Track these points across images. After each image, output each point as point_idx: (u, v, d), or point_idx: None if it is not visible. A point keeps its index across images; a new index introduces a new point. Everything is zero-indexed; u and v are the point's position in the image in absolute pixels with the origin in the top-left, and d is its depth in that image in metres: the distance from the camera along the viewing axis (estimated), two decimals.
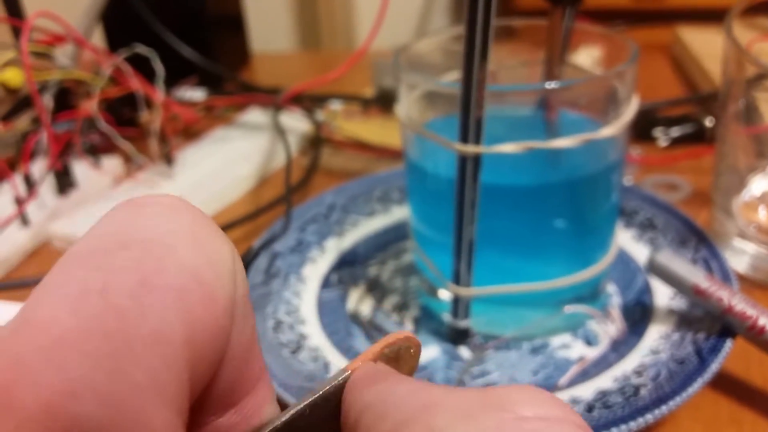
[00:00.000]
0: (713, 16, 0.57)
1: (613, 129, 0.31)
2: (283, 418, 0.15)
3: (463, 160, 0.30)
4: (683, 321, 0.34)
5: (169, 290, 0.12)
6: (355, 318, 0.37)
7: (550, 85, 0.31)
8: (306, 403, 0.15)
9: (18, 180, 0.47)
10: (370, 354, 0.16)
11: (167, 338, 0.12)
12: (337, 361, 0.33)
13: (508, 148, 0.29)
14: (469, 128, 0.29)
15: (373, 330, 0.36)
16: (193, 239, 0.14)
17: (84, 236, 0.14)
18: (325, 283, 0.39)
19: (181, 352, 0.12)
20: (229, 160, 0.54)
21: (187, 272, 0.13)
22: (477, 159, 0.29)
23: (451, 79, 0.35)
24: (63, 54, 0.53)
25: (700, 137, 0.53)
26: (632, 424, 0.27)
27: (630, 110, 0.32)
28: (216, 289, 0.13)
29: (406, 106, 0.34)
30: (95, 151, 0.53)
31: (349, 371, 0.15)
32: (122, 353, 0.11)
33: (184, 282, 0.13)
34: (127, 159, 0.54)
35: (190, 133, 0.59)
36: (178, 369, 0.12)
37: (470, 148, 0.29)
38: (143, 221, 0.14)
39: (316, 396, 0.15)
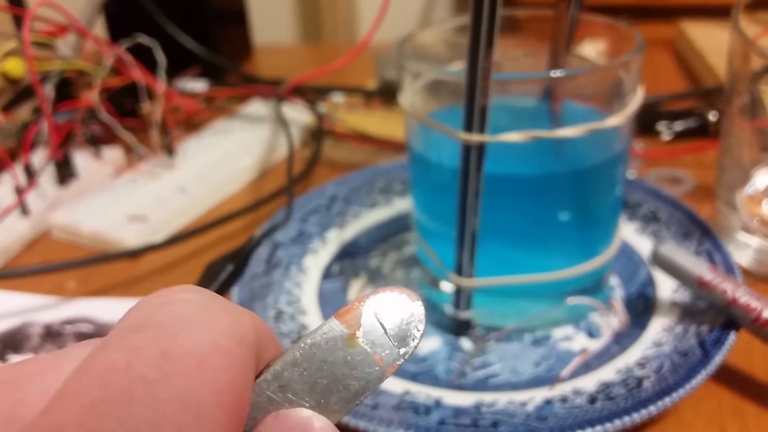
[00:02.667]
0: (717, 12, 0.57)
1: (618, 119, 0.30)
2: (276, 366, 0.15)
3: (467, 149, 0.29)
4: (686, 313, 0.33)
5: (190, 358, 0.13)
6: None
7: (555, 73, 0.31)
8: (295, 349, 0.15)
9: (18, 170, 0.46)
10: (356, 302, 0.16)
11: (196, 400, 0.13)
12: None
13: (513, 137, 0.29)
14: (474, 117, 0.28)
15: None
16: (208, 316, 0.15)
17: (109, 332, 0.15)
18: (327, 274, 0.39)
19: (211, 413, 0.13)
20: (231, 151, 0.53)
21: (204, 342, 0.14)
22: (481, 148, 0.29)
23: (455, 69, 0.35)
24: (64, 44, 0.53)
25: (703, 131, 0.53)
26: (635, 416, 0.27)
27: (635, 101, 0.32)
28: (235, 357, 0.14)
29: (409, 95, 0.33)
30: (96, 142, 0.52)
31: (335, 319, 0.16)
32: (155, 417, 0.12)
33: (202, 350, 0.13)
34: (128, 149, 0.54)
35: (192, 124, 0.59)
36: (211, 427, 0.13)
37: (474, 137, 0.29)
38: (157, 308, 0.15)
39: (304, 343, 0.15)
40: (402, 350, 0.16)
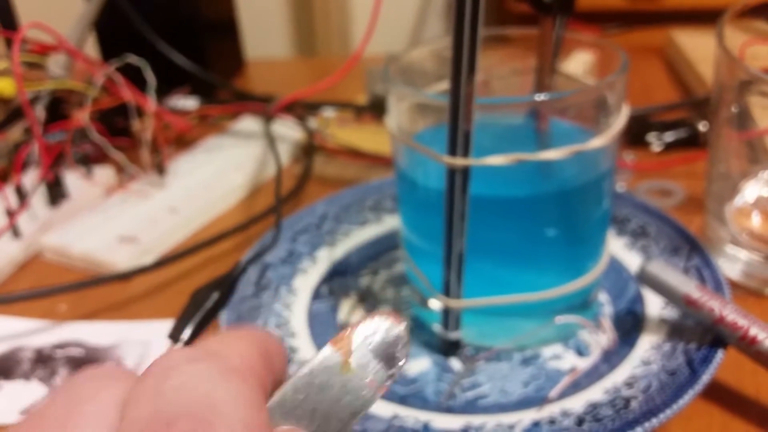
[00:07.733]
0: (709, 17, 0.57)
1: (602, 140, 0.30)
2: (280, 394, 0.17)
3: (451, 172, 0.29)
4: (675, 331, 0.34)
5: None
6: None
7: (539, 97, 0.31)
8: (297, 377, 0.17)
9: (9, 191, 0.46)
10: (349, 328, 0.17)
11: None
12: None
13: (497, 160, 0.29)
14: (458, 141, 0.29)
15: None
16: (228, 388, 0.14)
17: (124, 419, 0.14)
18: (316, 295, 0.39)
19: None
20: (222, 169, 0.54)
21: (238, 425, 0.14)
22: (466, 171, 0.29)
23: (443, 87, 0.35)
24: (55, 64, 0.53)
25: (694, 142, 0.53)
26: None
27: (620, 120, 0.32)
28: (263, 423, 0.14)
29: (395, 116, 0.33)
30: (87, 162, 0.53)
31: (330, 346, 0.17)
32: None
33: None
34: (120, 169, 0.54)
35: (183, 142, 0.59)
36: None
37: (459, 161, 0.29)
38: (173, 391, 0.14)
39: (303, 372, 0.17)
40: (389, 372, 0.17)
